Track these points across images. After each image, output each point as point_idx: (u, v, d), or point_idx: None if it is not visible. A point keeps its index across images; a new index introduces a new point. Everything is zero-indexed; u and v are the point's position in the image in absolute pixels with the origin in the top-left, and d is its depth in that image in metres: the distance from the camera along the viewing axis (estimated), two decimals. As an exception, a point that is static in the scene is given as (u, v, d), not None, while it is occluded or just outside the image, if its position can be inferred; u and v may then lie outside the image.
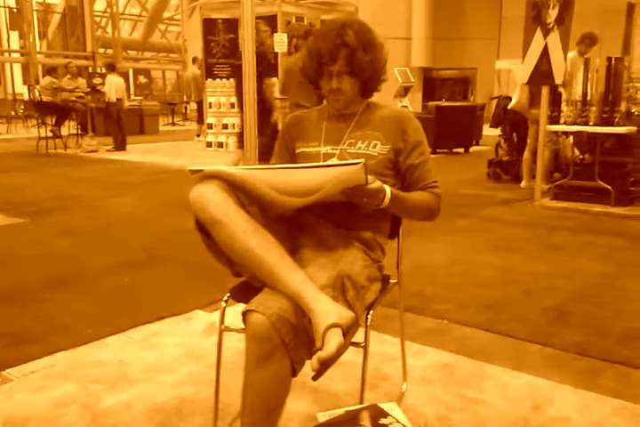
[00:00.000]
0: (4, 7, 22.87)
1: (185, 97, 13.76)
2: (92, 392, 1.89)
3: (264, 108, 5.55)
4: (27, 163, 8.26)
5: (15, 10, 22.07)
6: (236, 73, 5.17)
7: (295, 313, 1.28)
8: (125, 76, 10.99)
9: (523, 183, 6.03)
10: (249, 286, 1.48)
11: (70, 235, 4.11)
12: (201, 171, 1.38)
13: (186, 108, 15.88)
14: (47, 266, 3.32)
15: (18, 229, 4.28)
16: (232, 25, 9.69)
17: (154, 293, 2.89)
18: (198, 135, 11.26)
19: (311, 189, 1.37)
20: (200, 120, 11.30)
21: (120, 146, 9.42)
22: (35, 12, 20.11)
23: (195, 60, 11.54)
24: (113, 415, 1.75)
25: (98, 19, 21.58)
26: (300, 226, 1.58)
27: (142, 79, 19.97)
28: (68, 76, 10.08)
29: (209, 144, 9.72)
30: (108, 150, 9.30)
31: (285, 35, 8.09)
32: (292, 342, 1.26)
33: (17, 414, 1.77)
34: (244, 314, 1.30)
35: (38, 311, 2.62)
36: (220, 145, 9.56)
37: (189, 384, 1.95)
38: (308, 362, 1.26)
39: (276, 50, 7.27)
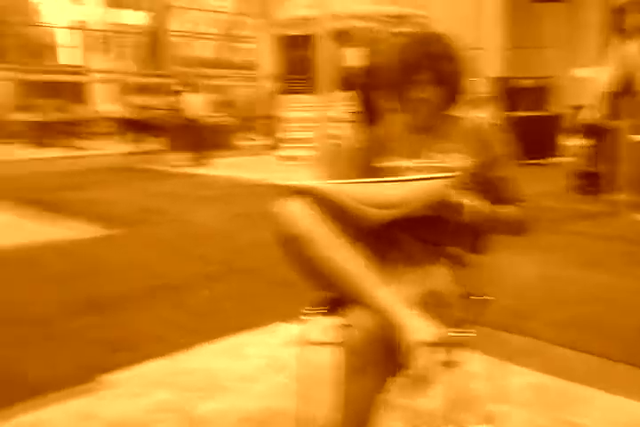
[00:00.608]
0: (91, 30, 24.34)
1: (260, 112, 14.13)
2: (185, 400, 1.97)
3: (375, 117, 5.60)
4: (116, 177, 8.69)
5: (100, 32, 23.44)
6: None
7: (385, 329, 1.29)
8: (204, 93, 11.39)
9: (609, 196, 5.78)
10: (334, 300, 1.51)
11: (156, 247, 4.29)
12: (286, 185, 1.43)
13: (260, 124, 16.26)
14: (135, 277, 3.49)
15: (108, 241, 4.51)
16: (305, 41, 9.88)
17: (236, 304, 2.97)
18: (273, 149, 11.50)
19: (396, 202, 1.39)
20: (275, 135, 11.52)
21: (200, 161, 9.76)
22: (118, 34, 21.27)
23: (270, 76, 11.84)
24: (208, 423, 1.82)
25: (176, 39, 22.55)
26: (387, 241, 1.59)
27: (219, 96, 20.67)
28: (153, 94, 10.58)
29: (284, 158, 9.91)
30: (189, 165, 9.65)
31: (360, 49, 8.22)
32: (382, 358, 1.28)
33: (115, 419, 1.87)
34: (335, 329, 1.33)
35: (130, 320, 2.75)
36: (295, 159, 9.72)
37: (275, 396, 1.99)
38: (397, 379, 1.27)
39: (350, 64, 7.37)
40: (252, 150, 12.13)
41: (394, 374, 1.29)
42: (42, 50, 24.16)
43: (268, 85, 11.95)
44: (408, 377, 1.19)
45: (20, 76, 17.22)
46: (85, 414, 1.89)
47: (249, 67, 23.03)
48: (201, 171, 9.10)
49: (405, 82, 1.58)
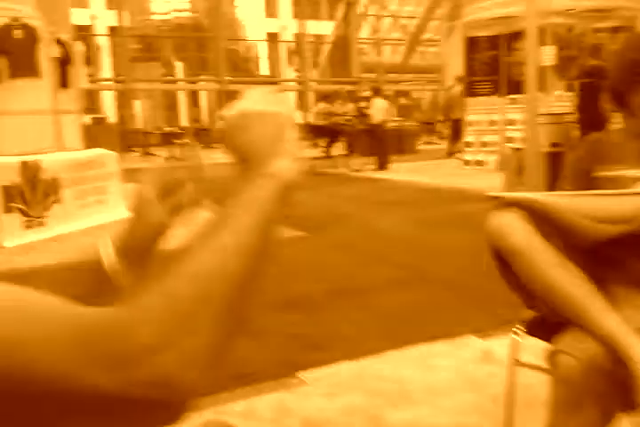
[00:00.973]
0: (285, 41, 26.03)
1: (443, 116, 13.95)
2: (374, 406, 1.99)
3: (597, 122, 5.27)
4: (303, 181, 9.14)
5: (292, 43, 24.97)
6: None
7: (610, 359, 1.17)
8: (389, 98, 11.57)
9: None
10: (545, 320, 1.41)
11: (343, 249, 4.42)
12: (500, 196, 1.37)
13: (444, 127, 16.08)
14: (326, 277, 3.62)
15: (299, 242, 4.74)
16: (494, 42, 9.55)
17: (425, 312, 2.94)
18: (451, 153, 11.27)
19: (624, 217, 1.27)
20: (454, 138, 11.29)
21: (382, 165, 9.90)
22: (308, 44, 22.37)
23: (455, 78, 11.64)
24: (398, 432, 1.82)
25: (362, 45, 23.15)
26: (609, 261, 1.45)
27: (402, 100, 20.82)
28: (340, 101, 10.97)
29: (467, 162, 9.65)
30: (372, 169, 9.82)
31: (553, 47, 7.71)
32: (604, 392, 1.16)
33: (309, 416, 1.94)
34: (551, 354, 1.23)
35: (324, 320, 2.86)
36: (479, 163, 9.42)
37: (469, 413, 1.92)
38: (626, 418, 1.14)
39: (545, 63, 6.95)
40: (435, 155, 11.99)
41: (620, 411, 1.17)
42: (242, 62, 26.41)
43: (453, 88, 11.73)
44: (635, 417, 1.07)
45: (222, 86, 18.94)
46: (283, 409, 2.00)
47: (433, 70, 22.87)
48: (384, 175, 9.21)
49: (635, 83, 1.43)
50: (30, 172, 4.66)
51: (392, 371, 2.25)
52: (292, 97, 21.02)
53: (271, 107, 0.55)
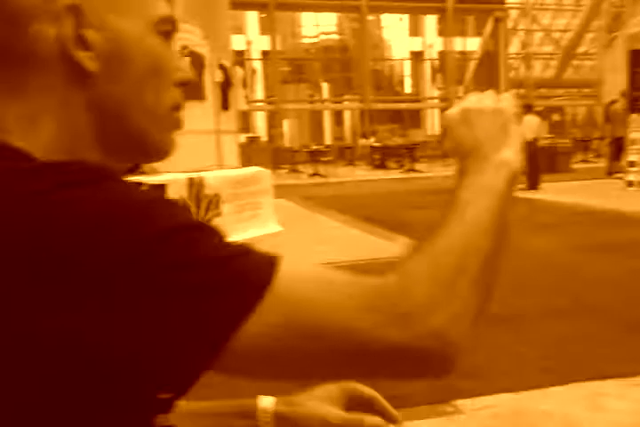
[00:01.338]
0: (429, 59, 25.93)
1: (600, 133, 13.01)
2: (539, 443, 1.88)
3: None
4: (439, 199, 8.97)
5: (436, 60, 24.81)
6: None
7: None
8: (540, 114, 11.01)
9: None
10: None
11: (495, 273, 4.24)
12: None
13: (601, 145, 15.01)
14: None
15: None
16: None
17: (589, 346, 2.72)
18: (612, 173, 10.46)
19: None
20: (615, 157, 10.47)
21: (534, 184, 9.42)
22: (452, 61, 22.06)
23: (616, 93, 10.84)
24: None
25: (511, 61, 22.36)
26: None
27: (555, 116, 19.74)
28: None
29: (630, 183, 8.88)
30: (523, 189, 9.38)
31: None
32: None
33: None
34: None
35: (481, 347, 2.74)
36: (645, 185, 8.63)
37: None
38: None
39: None
40: (592, 174, 11.20)
41: None
42: (386, 81, 26.71)
43: (612, 104, 10.93)
44: None
45: (365, 105, 19.28)
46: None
47: (588, 85, 21.53)
48: (536, 195, 8.75)
49: None
50: (196, 187, 5.04)
51: (557, 408, 2.11)
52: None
53: (493, 103, 0.58)
